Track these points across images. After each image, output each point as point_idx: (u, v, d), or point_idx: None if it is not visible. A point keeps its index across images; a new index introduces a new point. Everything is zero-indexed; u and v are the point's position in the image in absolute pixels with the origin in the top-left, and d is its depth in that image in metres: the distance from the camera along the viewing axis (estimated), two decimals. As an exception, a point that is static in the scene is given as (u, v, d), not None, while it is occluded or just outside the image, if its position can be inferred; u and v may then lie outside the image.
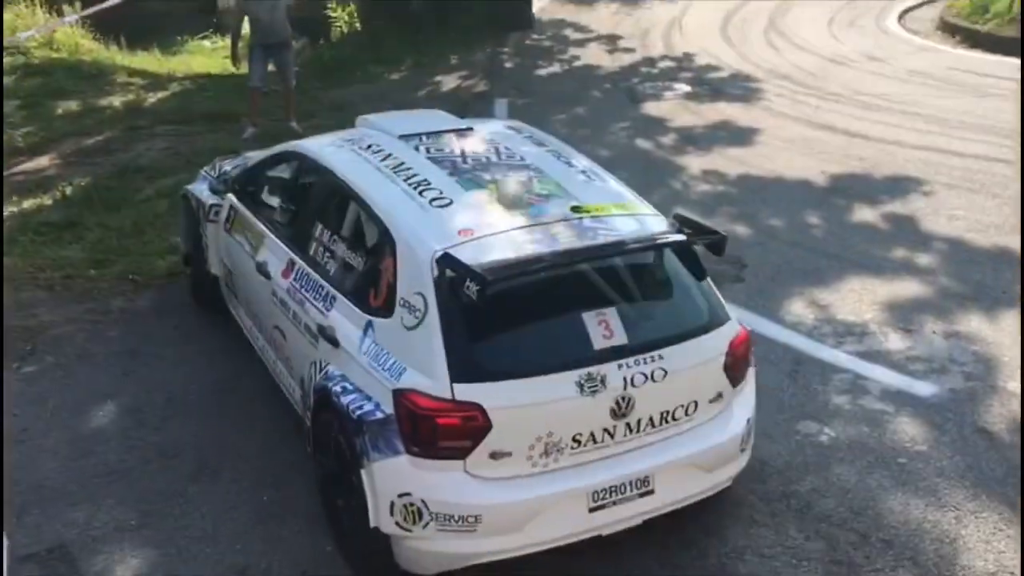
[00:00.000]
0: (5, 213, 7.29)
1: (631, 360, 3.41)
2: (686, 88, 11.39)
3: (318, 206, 4.31)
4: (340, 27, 16.29)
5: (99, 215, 7.36)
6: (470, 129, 4.61)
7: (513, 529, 3.37)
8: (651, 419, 3.52)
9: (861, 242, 6.74)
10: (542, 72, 12.87)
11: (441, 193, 3.74)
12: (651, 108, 10.65)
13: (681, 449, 3.60)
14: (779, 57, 12.86)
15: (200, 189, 5.57)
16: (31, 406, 4.68)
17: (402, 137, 4.36)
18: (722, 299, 3.88)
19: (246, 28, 10.01)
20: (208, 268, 5.39)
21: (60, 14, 14.63)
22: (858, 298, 5.82)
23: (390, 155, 4.14)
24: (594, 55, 13.51)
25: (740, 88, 11.26)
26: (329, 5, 16.47)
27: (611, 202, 3.89)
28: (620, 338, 3.44)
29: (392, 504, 3.32)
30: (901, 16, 15.17)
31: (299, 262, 4.20)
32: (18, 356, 5.12)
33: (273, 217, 4.68)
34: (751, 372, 3.93)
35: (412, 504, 3.30)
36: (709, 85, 11.50)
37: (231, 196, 5.10)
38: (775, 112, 10.24)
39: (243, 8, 9.65)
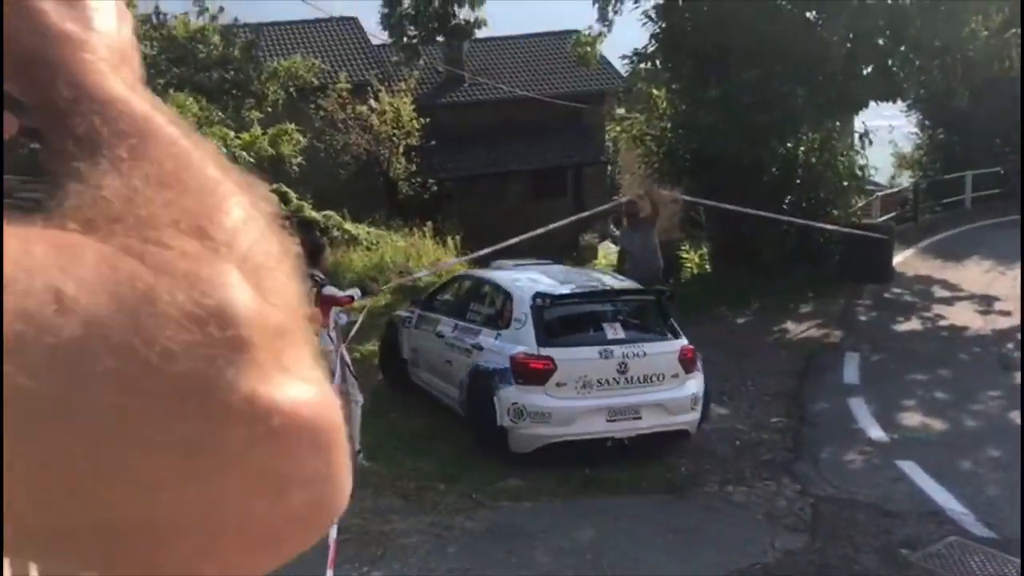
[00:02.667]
0: (375, 419, 8.15)
1: (626, 346, 7.33)
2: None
3: (468, 294, 8.79)
4: (690, 268, 16.85)
5: (454, 430, 7.95)
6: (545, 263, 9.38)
7: (567, 423, 7.12)
8: (639, 377, 7.27)
9: None
10: (900, 328, 12.23)
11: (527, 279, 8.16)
12: (1030, 377, 9.61)
13: (656, 397, 7.31)
14: None
15: (397, 315, 9.77)
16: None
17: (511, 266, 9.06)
18: (680, 330, 7.86)
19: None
20: (401, 354, 9.15)
21: (444, 243, 16.73)
22: None
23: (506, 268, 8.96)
24: (961, 315, 12.61)
25: None
26: (683, 247, 17.21)
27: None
28: (621, 335, 7.49)
29: (508, 410, 7.05)
30: None
31: (460, 322, 8.25)
32: (370, 559, 5.52)
33: (445, 308, 8.83)
34: (699, 370, 7.72)
35: (519, 409, 7.03)
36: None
37: (417, 309, 9.17)
38: None
39: (620, 242, 10.55)
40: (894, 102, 15.49)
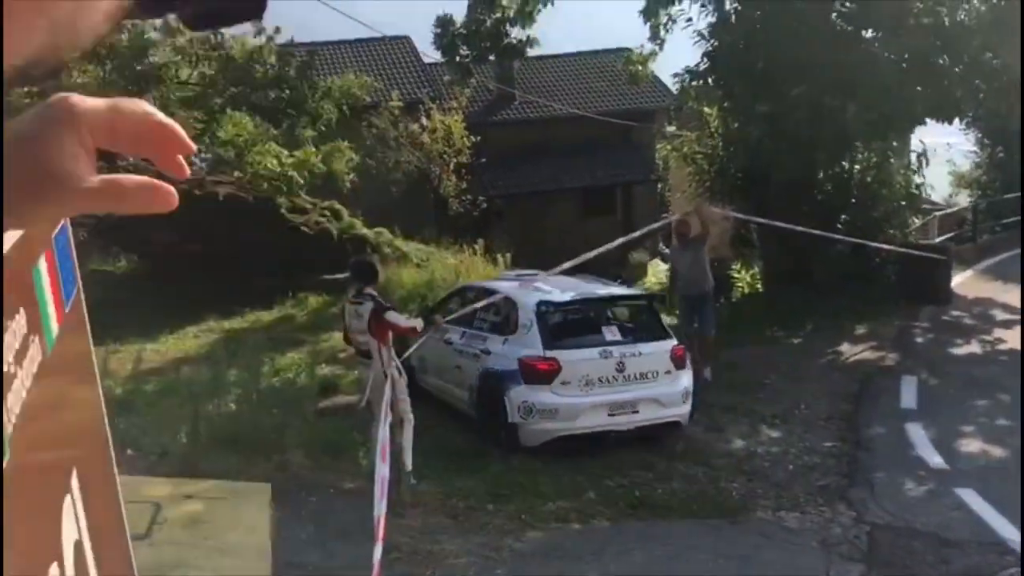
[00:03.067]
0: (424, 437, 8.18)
1: (624, 346, 8.03)
2: None
3: (477, 302, 9.13)
4: (741, 287, 16.67)
5: (503, 449, 7.95)
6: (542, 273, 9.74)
7: (573, 418, 7.75)
8: (636, 375, 7.94)
9: None
10: (958, 351, 11.94)
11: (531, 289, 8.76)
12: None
13: (651, 392, 8.00)
14: None
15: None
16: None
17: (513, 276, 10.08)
18: (670, 331, 8.65)
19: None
20: (408, 362, 8.51)
21: (494, 261, 16.77)
22: None
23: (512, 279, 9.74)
24: (1022, 338, 12.27)
25: None
26: (733, 266, 17.03)
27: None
28: (618, 336, 8.20)
29: (518, 407, 7.68)
30: None
31: (468, 330, 8.83)
32: (420, 580, 5.54)
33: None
34: (688, 367, 8.46)
35: (528, 406, 7.66)
36: None
37: (422, 319, 8.60)
38: None
39: (669, 260, 10.56)
40: (950, 122, 15.18)
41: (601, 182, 26.29)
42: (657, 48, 16.61)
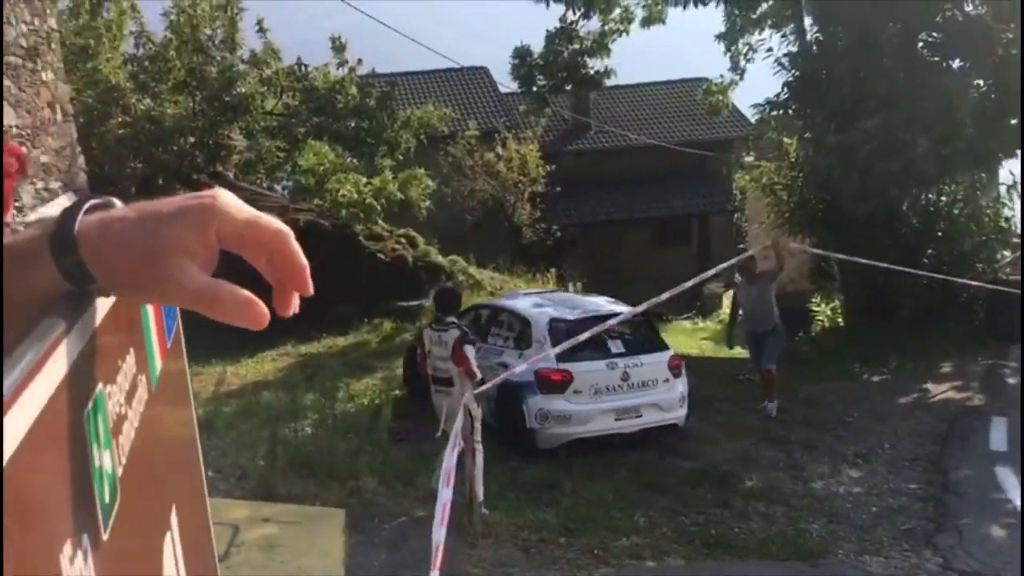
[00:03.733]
0: (495, 467, 8.15)
1: (627, 358, 8.88)
2: None
3: (488, 321, 10.00)
4: (821, 321, 16.29)
5: (575, 481, 7.88)
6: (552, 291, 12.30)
7: (584, 423, 8.60)
8: (638, 383, 8.84)
9: None
10: (1052, 392, 11.41)
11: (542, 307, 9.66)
12: None
13: (652, 398, 8.92)
14: None
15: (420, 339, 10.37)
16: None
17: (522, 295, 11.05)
18: (667, 343, 9.76)
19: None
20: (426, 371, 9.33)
21: (566, 290, 16.73)
22: None
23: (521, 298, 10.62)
24: (1123, 379, 11.69)
25: None
26: (813, 299, 16.67)
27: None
28: (622, 349, 9.01)
29: (535, 414, 8.49)
30: None
31: (483, 344, 9.06)
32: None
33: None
34: (683, 375, 9.28)
35: (544, 413, 8.47)
36: None
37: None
38: None
39: (736, 294, 10.43)
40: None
41: (676, 212, 26.11)
42: (737, 78, 16.46)
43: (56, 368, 0.58)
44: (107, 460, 0.68)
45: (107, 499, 0.67)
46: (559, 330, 8.89)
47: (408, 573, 6.01)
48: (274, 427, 7.65)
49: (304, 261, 0.74)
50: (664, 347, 9.48)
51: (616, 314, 9.65)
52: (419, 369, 8.52)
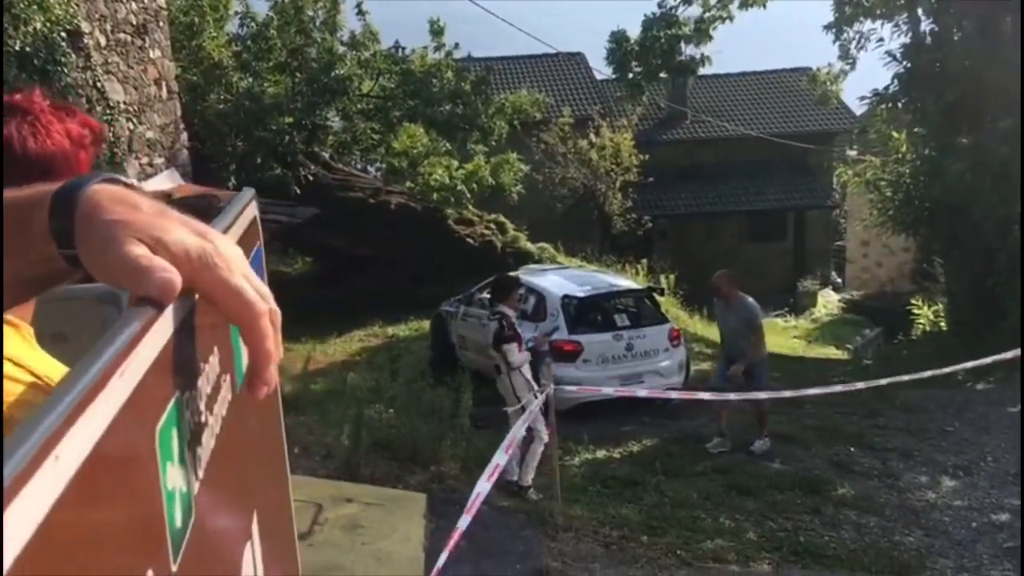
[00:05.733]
0: (576, 460, 8.05)
1: (631, 330, 9.98)
2: None
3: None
4: (923, 324, 15.65)
5: (658, 479, 7.72)
6: (566, 268, 13.78)
7: (594, 386, 8.46)
8: (642, 352, 9.87)
9: None
10: None
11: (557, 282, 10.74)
12: None
13: (654, 366, 9.90)
14: None
15: (445, 310, 12.44)
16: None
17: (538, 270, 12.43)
18: (667, 316, 10.99)
19: None
20: (450, 338, 11.85)
21: (656, 282, 16.46)
22: None
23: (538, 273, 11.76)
24: None
25: None
26: (914, 300, 16.03)
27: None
28: (627, 322, 10.15)
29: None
30: None
31: None
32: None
33: (486, 304, 9.66)
34: (682, 345, 10.48)
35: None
36: None
37: (462, 305, 11.78)
38: None
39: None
40: None
41: (772, 206, 25.42)
42: (847, 67, 15.88)
43: (124, 381, 0.51)
44: (180, 478, 0.61)
45: (179, 524, 0.59)
46: (570, 305, 10.03)
47: (486, 562, 5.98)
48: (359, 408, 7.69)
49: (272, 351, 0.68)
50: (664, 320, 10.51)
51: (625, 290, 11.00)
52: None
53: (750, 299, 8.61)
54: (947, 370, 8.73)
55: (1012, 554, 6.67)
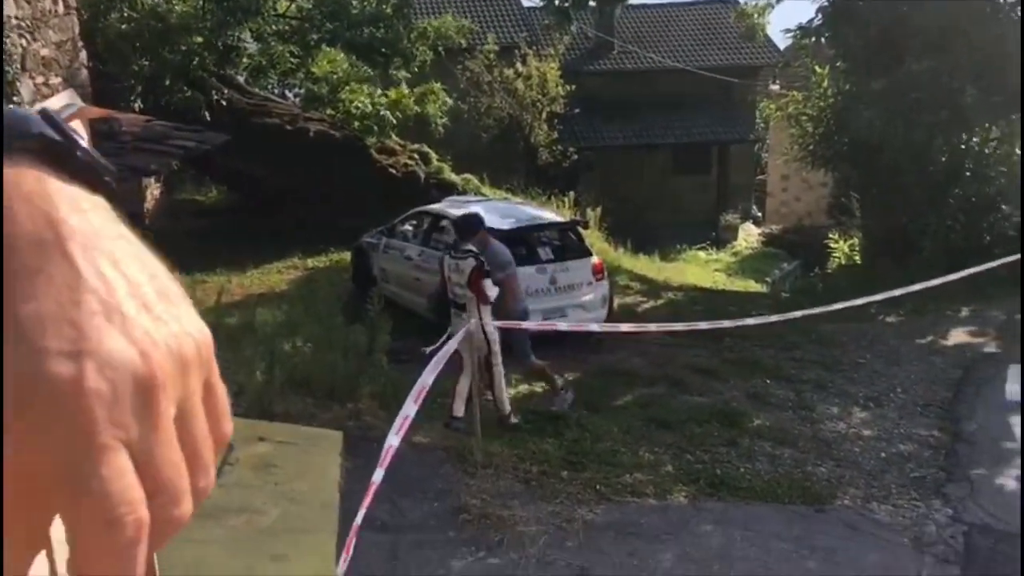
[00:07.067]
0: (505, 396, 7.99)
1: (555, 264, 9.84)
2: None
3: (430, 227, 10.95)
4: (838, 258, 15.97)
5: (579, 414, 7.71)
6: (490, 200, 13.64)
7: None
8: (566, 286, 9.76)
9: None
10: (1072, 342, 11.15)
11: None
12: None
13: (577, 300, 9.79)
14: None
15: (366, 242, 12.21)
16: (487, 601, 4.81)
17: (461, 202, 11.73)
18: (591, 248, 10.77)
19: None
20: (372, 271, 11.70)
21: (583, 215, 16.39)
22: None
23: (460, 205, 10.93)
24: None
25: None
26: (831, 235, 16.31)
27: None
28: (551, 256, 10.01)
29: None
30: None
31: (426, 248, 10.62)
32: (486, 545, 5.35)
33: (409, 237, 11.27)
34: (605, 278, 10.35)
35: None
36: None
37: (383, 237, 11.64)
38: None
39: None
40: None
41: (696, 139, 25.47)
42: (774, 0, 15.79)
43: None
44: None
45: None
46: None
47: (405, 501, 5.89)
48: (274, 343, 7.46)
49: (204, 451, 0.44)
50: (588, 254, 10.37)
51: (550, 223, 10.92)
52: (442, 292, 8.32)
53: (500, 244, 8.00)
54: (859, 301, 8.84)
55: (919, 483, 6.88)
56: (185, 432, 0.40)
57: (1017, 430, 8.08)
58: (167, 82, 13.51)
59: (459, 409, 7.22)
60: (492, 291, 7.08)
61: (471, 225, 7.58)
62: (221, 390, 0.44)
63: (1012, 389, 9.25)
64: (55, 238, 0.38)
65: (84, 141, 0.43)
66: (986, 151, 14.23)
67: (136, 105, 12.48)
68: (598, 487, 6.28)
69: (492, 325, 7.06)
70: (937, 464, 7.31)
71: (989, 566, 5.69)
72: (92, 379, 0.36)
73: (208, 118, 13.46)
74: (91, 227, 0.39)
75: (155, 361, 0.38)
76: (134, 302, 0.39)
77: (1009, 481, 7.05)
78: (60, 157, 0.42)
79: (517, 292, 7.88)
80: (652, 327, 8.20)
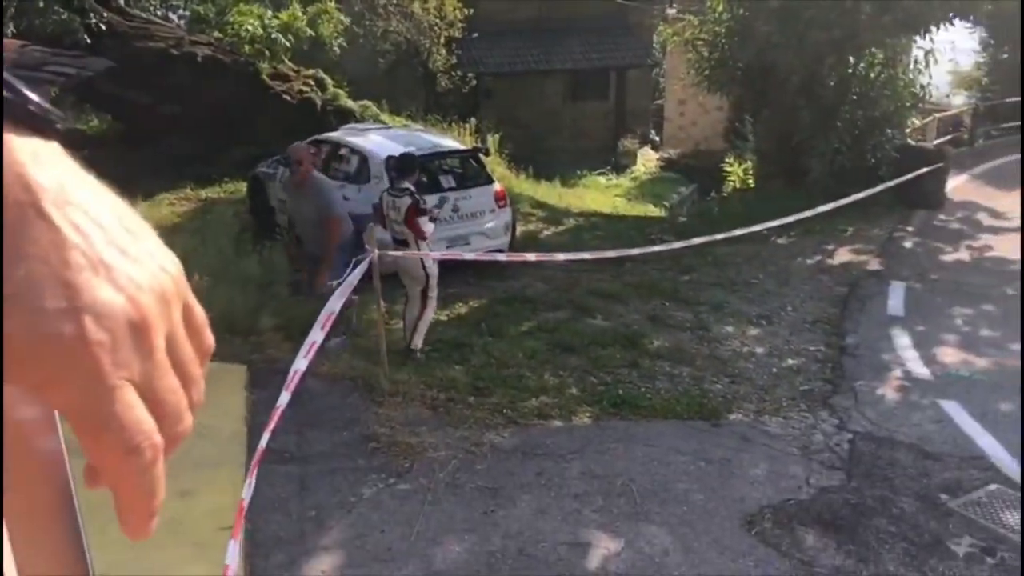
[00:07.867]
0: (402, 324, 8.00)
1: (457, 191, 9.81)
2: None
3: (329, 155, 10.48)
4: (733, 182, 16.37)
5: (484, 340, 7.80)
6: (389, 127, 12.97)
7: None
8: (468, 214, 9.75)
9: None
10: (947, 258, 11.83)
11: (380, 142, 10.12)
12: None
13: (480, 227, 9.83)
14: None
15: (262, 172, 11.62)
16: (398, 526, 4.89)
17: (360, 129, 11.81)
18: (492, 176, 10.81)
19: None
20: (269, 202, 11.03)
21: (483, 142, 16.29)
22: None
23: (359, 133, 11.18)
24: (1011, 246, 12.15)
25: None
26: (726, 159, 16.68)
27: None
28: (453, 183, 9.94)
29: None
30: None
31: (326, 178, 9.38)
32: (395, 472, 5.42)
33: None
34: (508, 205, 10.32)
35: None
36: None
37: (281, 166, 10.26)
38: None
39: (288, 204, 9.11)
40: (952, 23, 14.57)
41: (594, 64, 25.42)
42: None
43: None
44: None
45: None
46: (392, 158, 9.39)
47: (312, 432, 5.89)
48: (170, 278, 7.25)
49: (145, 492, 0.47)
50: (490, 181, 10.40)
51: (451, 151, 10.82)
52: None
53: (325, 178, 7.74)
54: (755, 228, 9.15)
55: (807, 396, 7.26)
56: (175, 357, 0.46)
57: (897, 344, 8.59)
58: (40, 3, 12.66)
59: (418, 342, 7.37)
60: (428, 227, 7.13)
61: (407, 164, 7.56)
62: (198, 309, 0.50)
63: (893, 304, 9.79)
64: (29, 199, 0.40)
65: (32, 92, 0.44)
66: (871, 75, 14.69)
67: (9, 29, 11.67)
68: (505, 411, 6.41)
69: (431, 260, 7.20)
70: (824, 377, 7.72)
71: (871, 470, 6.09)
72: (93, 332, 0.40)
73: (88, 42, 12.71)
74: (57, 180, 0.42)
75: (143, 304, 0.43)
76: (112, 249, 0.42)
77: (889, 391, 7.52)
78: (13, 112, 0.43)
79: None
80: (560, 256, 8.22)
